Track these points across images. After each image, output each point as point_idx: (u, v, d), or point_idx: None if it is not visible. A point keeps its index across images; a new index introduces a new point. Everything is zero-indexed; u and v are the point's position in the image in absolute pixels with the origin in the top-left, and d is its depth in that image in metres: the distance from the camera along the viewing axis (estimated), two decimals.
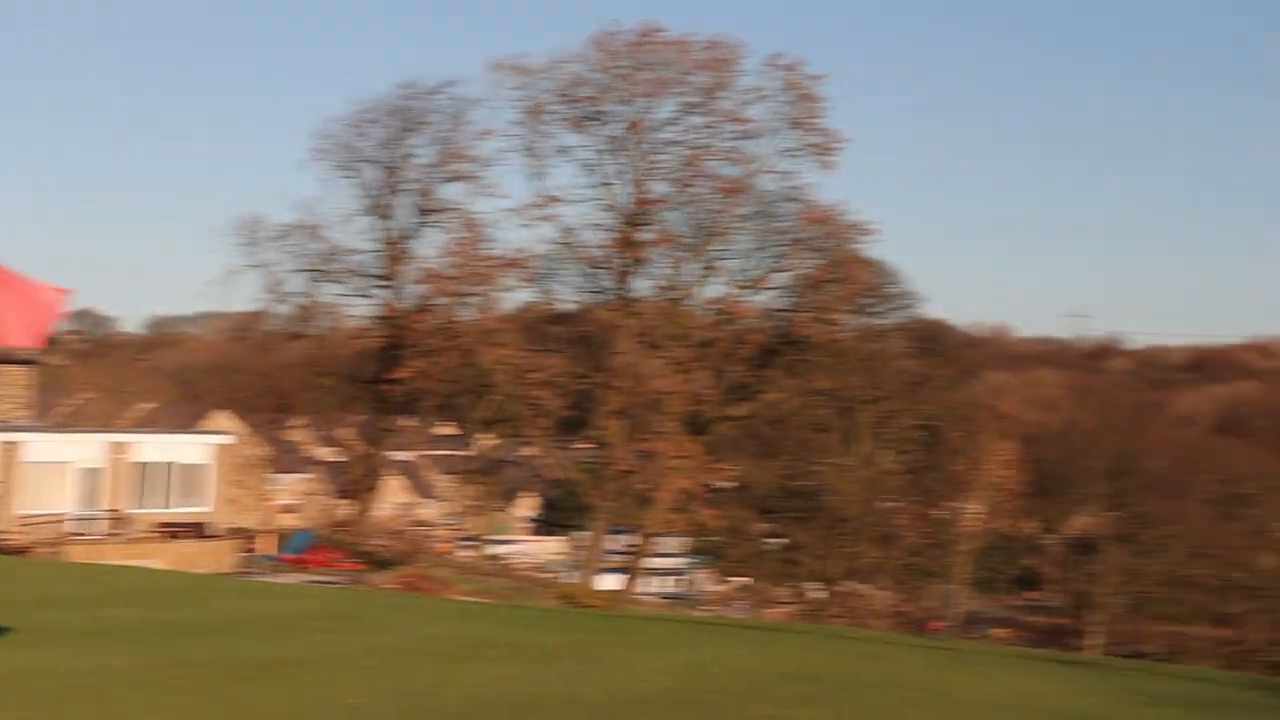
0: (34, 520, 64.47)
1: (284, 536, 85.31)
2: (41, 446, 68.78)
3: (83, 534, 66.27)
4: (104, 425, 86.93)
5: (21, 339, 11.44)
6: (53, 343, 71.17)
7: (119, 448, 71.08)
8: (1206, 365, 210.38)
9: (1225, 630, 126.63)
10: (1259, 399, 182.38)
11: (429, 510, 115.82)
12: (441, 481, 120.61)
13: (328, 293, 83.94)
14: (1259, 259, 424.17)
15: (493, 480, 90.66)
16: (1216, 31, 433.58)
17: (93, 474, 69.27)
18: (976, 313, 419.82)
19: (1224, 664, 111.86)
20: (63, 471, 68.49)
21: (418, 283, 78.89)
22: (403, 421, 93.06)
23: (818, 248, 74.61)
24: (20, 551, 59.28)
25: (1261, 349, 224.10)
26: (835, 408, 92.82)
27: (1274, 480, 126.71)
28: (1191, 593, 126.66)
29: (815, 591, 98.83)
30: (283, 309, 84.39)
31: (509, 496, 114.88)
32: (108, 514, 67.85)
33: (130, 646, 21.10)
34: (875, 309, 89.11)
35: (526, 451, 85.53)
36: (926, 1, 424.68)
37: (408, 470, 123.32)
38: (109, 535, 67.15)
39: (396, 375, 77.94)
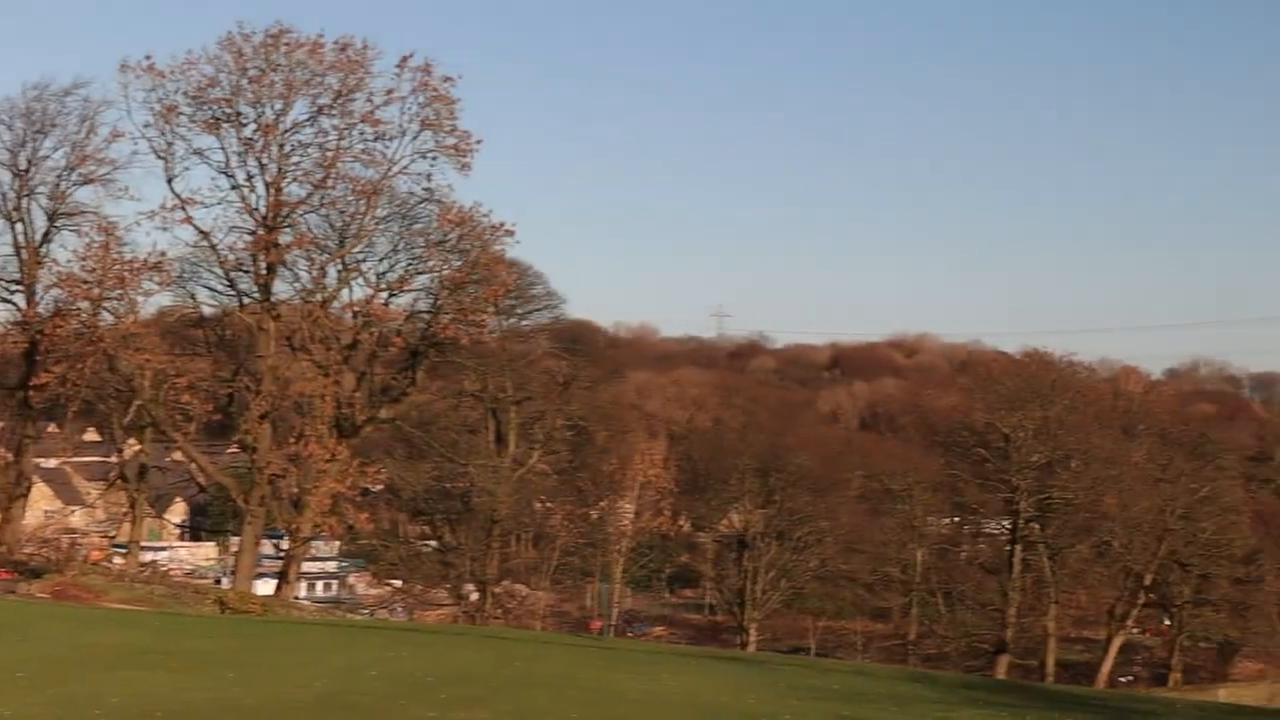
0: None
1: None
2: None
3: None
4: None
5: None
6: None
7: None
8: (849, 363, 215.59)
9: (882, 624, 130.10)
10: (902, 396, 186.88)
11: (79, 517, 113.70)
12: (91, 488, 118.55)
13: None
14: (899, 258, 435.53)
15: (142, 486, 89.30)
16: (850, 32, 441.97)
17: None
18: (620, 313, 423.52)
19: (882, 657, 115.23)
20: None
21: (55, 287, 77.38)
22: (49, 428, 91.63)
23: (458, 249, 74.75)
24: None
25: (902, 346, 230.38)
26: (483, 409, 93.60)
27: (921, 476, 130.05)
28: (845, 589, 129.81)
29: (473, 593, 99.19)
30: None
31: (160, 502, 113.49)
32: None
33: None
34: (519, 310, 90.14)
35: (175, 457, 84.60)
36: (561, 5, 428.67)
37: (56, 477, 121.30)
38: None
39: (38, 381, 76.60)
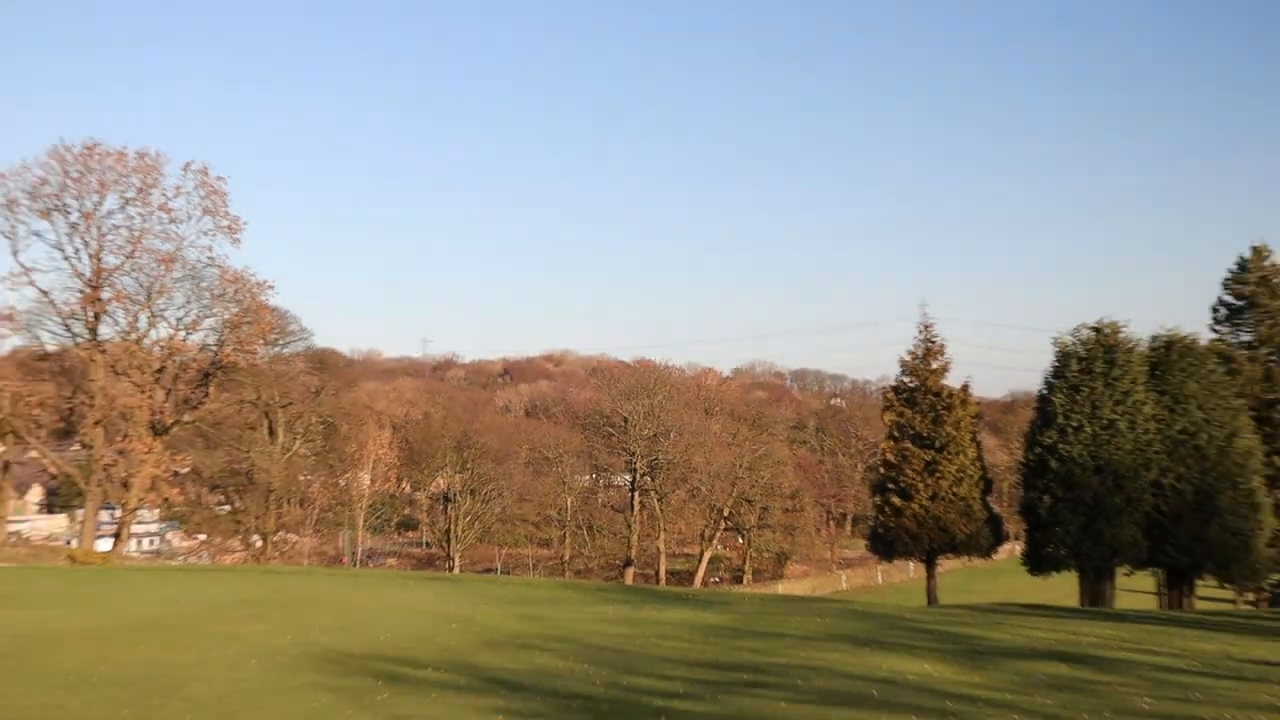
0: None
1: None
2: None
3: None
4: None
5: None
6: None
7: None
8: (515, 371, 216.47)
9: (546, 550, 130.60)
10: (553, 393, 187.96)
11: None
12: None
13: None
14: (546, 289, 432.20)
15: (6, 476, 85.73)
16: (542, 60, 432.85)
17: None
18: (354, 340, 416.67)
19: (546, 572, 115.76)
20: None
21: None
22: None
23: (235, 299, 73.78)
24: None
25: (552, 359, 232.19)
26: (259, 411, 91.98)
27: (568, 447, 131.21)
28: (520, 527, 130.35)
29: (257, 542, 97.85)
30: None
31: (21, 486, 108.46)
32: None
33: None
34: (280, 341, 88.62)
35: (32, 454, 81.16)
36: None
37: None
38: None
39: None
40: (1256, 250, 65.61)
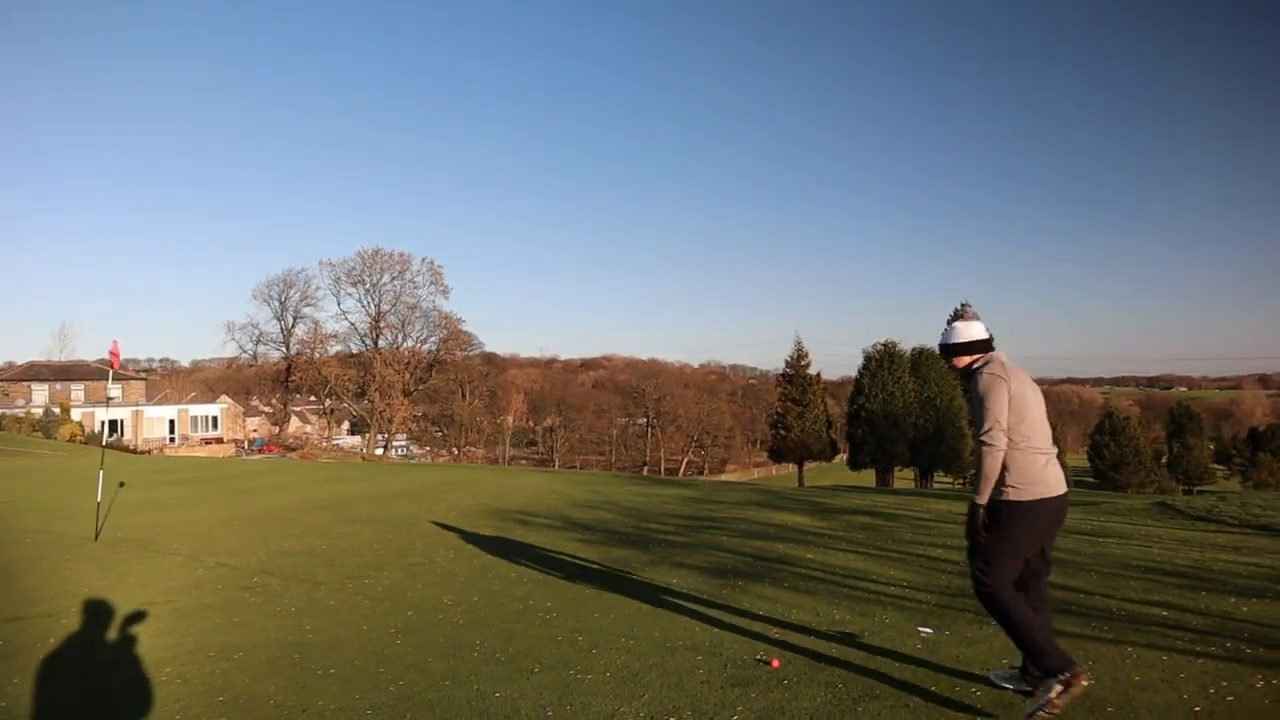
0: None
1: (252, 441, 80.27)
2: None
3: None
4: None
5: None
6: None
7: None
8: (587, 365, 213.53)
9: (602, 457, 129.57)
10: (606, 377, 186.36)
11: (310, 428, 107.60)
12: (314, 417, 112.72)
13: (262, 349, 78.62)
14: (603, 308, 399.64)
15: (332, 416, 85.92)
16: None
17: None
18: (502, 347, 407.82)
19: (602, 469, 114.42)
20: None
21: (298, 343, 73.98)
22: (296, 395, 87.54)
23: (444, 327, 73.63)
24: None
25: (606, 358, 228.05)
26: (457, 384, 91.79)
27: (613, 404, 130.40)
28: (589, 444, 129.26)
29: (455, 450, 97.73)
30: (244, 357, 79.18)
31: (339, 419, 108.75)
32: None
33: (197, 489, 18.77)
34: (467, 348, 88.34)
35: (345, 404, 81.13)
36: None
37: (300, 414, 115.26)
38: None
39: (291, 379, 74.21)
40: (964, 305, 65.20)
